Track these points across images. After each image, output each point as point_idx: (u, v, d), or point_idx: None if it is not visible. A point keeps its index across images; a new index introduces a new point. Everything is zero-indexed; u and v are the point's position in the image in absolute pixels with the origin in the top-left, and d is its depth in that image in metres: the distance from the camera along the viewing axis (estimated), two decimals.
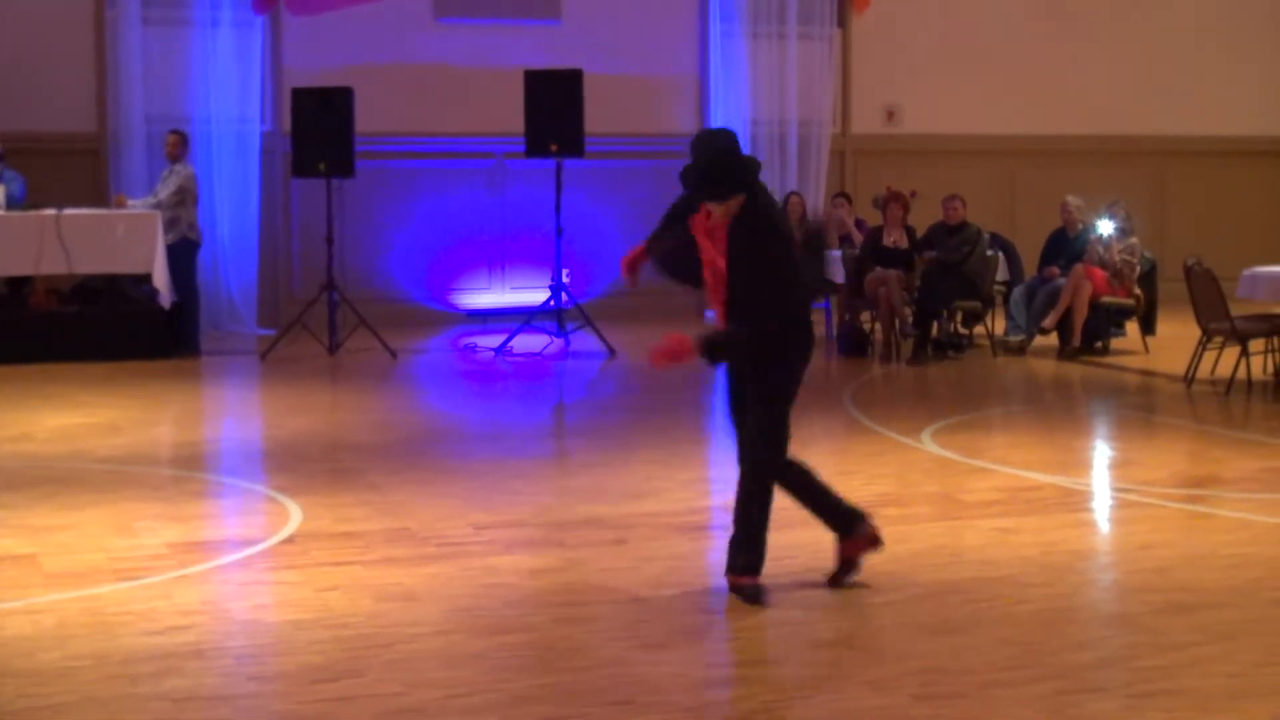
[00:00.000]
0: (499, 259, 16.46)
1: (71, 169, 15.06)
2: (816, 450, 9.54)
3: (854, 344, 13.73)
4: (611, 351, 13.68)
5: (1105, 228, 13.76)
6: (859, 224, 15.34)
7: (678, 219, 6.47)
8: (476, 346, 14.31)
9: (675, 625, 5.79)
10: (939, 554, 6.82)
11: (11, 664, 5.31)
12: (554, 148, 14.15)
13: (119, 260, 13.42)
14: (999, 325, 14.26)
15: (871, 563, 6.60)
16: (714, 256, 6.07)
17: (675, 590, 6.23)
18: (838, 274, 14.16)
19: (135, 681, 5.14)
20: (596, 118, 14.80)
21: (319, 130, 13.96)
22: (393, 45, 16.03)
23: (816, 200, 16.52)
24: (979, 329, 14.07)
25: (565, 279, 14.65)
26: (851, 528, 6.32)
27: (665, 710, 4.91)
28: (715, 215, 6.07)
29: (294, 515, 7.51)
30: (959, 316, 14.11)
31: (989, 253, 13.77)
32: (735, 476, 6.14)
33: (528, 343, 14.07)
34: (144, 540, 7.06)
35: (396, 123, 15.95)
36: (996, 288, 14.16)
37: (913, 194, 14.13)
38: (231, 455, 9.92)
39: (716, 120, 16.98)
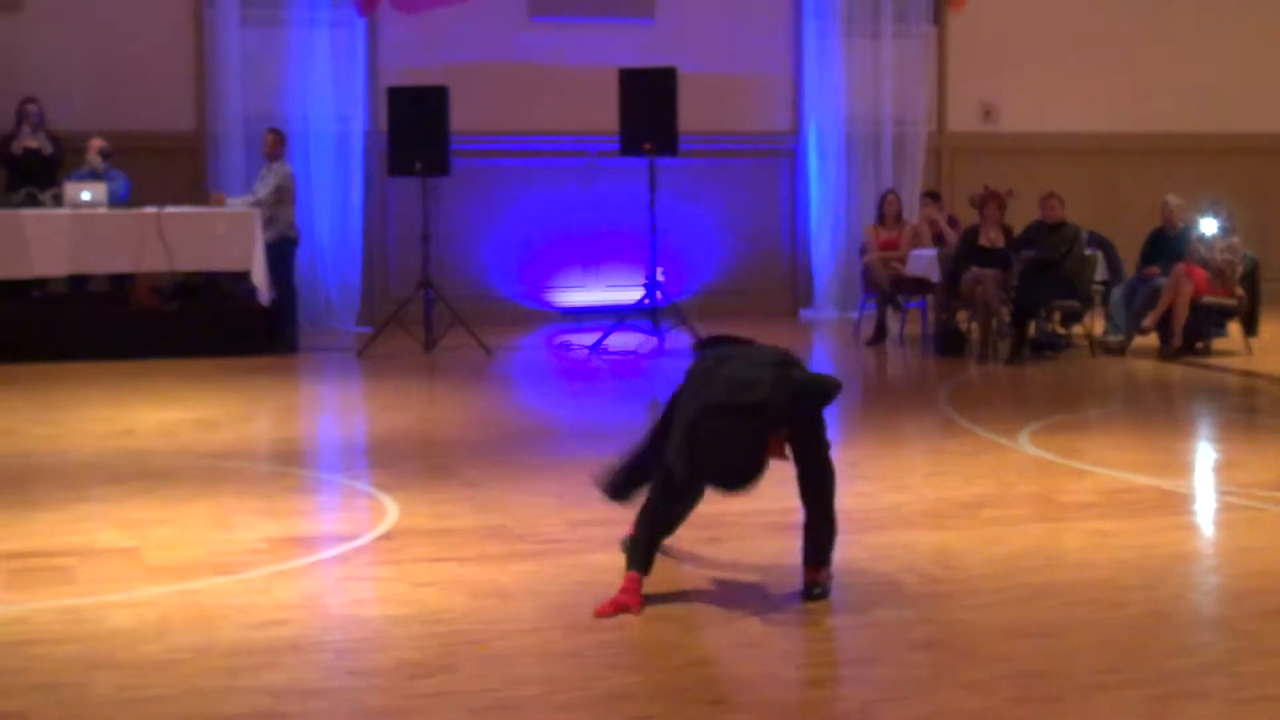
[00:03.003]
0: (593, 257, 16.50)
1: (172, 168, 15.24)
2: (911, 450, 9.52)
3: (950, 344, 13.64)
4: None
5: (1208, 226, 13.59)
6: (952, 221, 15.24)
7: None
8: (571, 344, 14.35)
9: (769, 624, 5.77)
10: (1036, 555, 6.76)
11: (114, 656, 5.38)
12: (648, 146, 14.15)
13: (218, 258, 13.58)
14: (1098, 325, 14.11)
15: (967, 563, 6.57)
16: None
17: (769, 589, 6.22)
18: (933, 273, 14.08)
19: (234, 675, 5.19)
20: (690, 116, 14.79)
21: (414, 129, 14.05)
22: (487, 44, 16.11)
23: (911, 199, 16.43)
24: (1078, 329, 13.95)
25: (660, 277, 14.65)
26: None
27: (760, 709, 4.89)
28: None
29: (391, 511, 7.56)
30: (1057, 316, 13.99)
31: (1087, 252, 13.64)
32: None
33: (622, 341, 14.09)
34: (243, 535, 7.13)
35: (491, 121, 16.03)
36: (1095, 287, 14.02)
37: (1009, 193, 14.02)
38: (329, 451, 10.01)
39: (812, 121, 16.93)
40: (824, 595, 6.03)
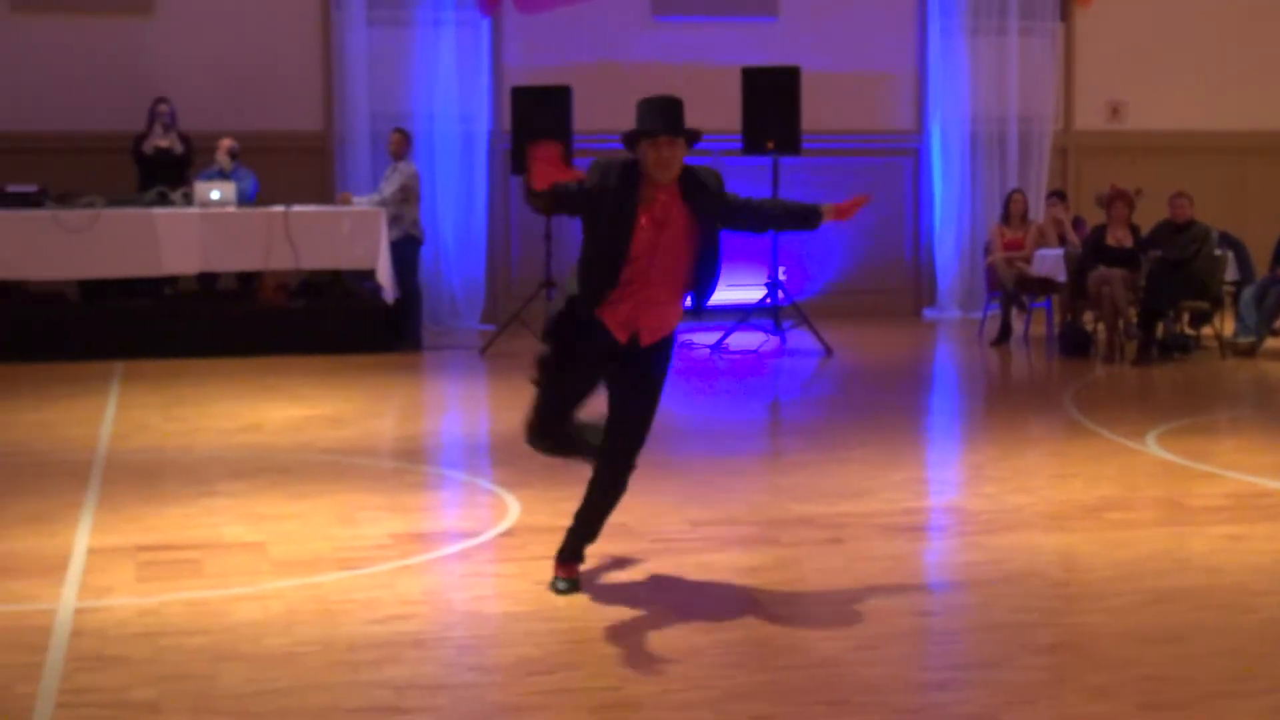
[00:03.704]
0: None
1: (299, 167, 15.45)
2: (1036, 452, 9.40)
3: (1076, 344, 13.48)
4: (827, 350, 13.61)
5: None
6: (1077, 223, 15.05)
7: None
8: (692, 343, 14.34)
9: (891, 626, 5.73)
10: (1163, 559, 6.65)
11: (240, 648, 5.46)
12: (771, 145, 14.12)
13: (344, 256, 13.73)
14: (1228, 326, 13.87)
15: (1092, 566, 6.49)
16: (670, 236, 6.25)
17: (891, 590, 6.18)
18: (1059, 273, 13.91)
19: (357, 669, 5.25)
20: (814, 115, 14.72)
21: (538, 128, 14.04)
22: (610, 44, 16.15)
23: (1037, 199, 16.26)
24: (1207, 330, 13.72)
25: (781, 276, 14.61)
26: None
27: (882, 711, 4.86)
28: (664, 177, 6.17)
29: (512, 509, 7.61)
30: (1186, 317, 13.77)
31: (1217, 252, 13.42)
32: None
33: (743, 340, 14.06)
34: (367, 530, 7.21)
35: (614, 121, 15.90)
36: (1226, 288, 13.79)
37: (1138, 192, 13.82)
38: (452, 448, 10.08)
39: (936, 119, 16.81)
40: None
